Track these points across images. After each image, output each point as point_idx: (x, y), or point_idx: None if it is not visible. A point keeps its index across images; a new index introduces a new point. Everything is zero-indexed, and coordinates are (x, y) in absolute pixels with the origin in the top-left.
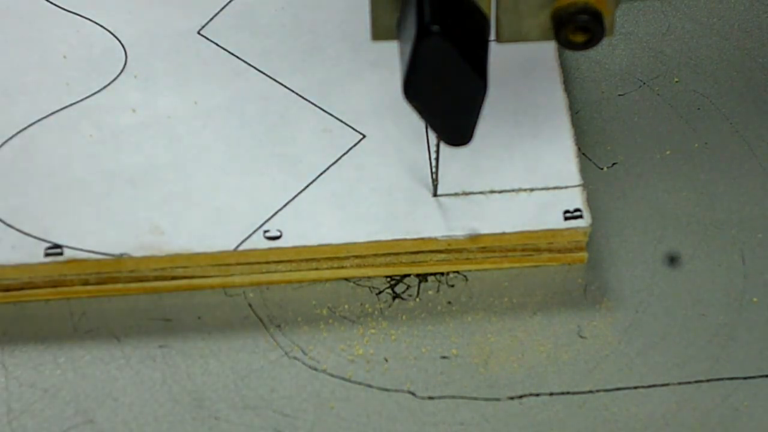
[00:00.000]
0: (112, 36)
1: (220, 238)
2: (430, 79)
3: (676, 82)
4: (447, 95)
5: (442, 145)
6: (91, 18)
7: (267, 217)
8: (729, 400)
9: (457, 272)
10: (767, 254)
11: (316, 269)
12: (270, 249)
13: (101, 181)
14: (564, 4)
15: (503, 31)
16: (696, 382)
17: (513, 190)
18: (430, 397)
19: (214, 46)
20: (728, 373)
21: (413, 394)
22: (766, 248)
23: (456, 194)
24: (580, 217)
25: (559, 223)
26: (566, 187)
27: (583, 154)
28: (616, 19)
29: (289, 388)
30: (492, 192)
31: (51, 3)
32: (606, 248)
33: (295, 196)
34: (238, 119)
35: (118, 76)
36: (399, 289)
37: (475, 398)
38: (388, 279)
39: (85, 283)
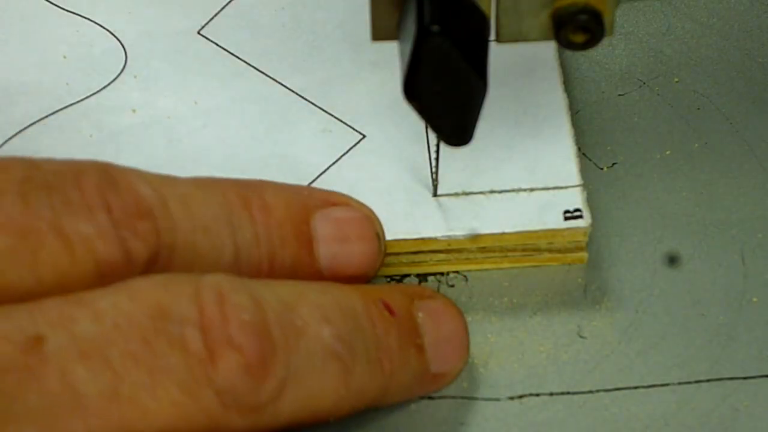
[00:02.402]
0: (112, 36)
1: None
2: (430, 79)
3: (676, 82)
4: (447, 95)
5: (442, 145)
6: (91, 18)
7: None
8: (729, 400)
9: (457, 272)
10: (767, 254)
11: None
12: None
13: None
14: (564, 4)
15: (503, 31)
16: (696, 382)
17: (513, 190)
18: (431, 398)
19: (214, 46)
20: (728, 373)
21: None
22: (766, 248)
23: (456, 194)
24: (580, 217)
25: (559, 223)
26: (566, 187)
27: (583, 154)
28: (616, 19)
29: None
30: (492, 192)
31: (51, 3)
32: (606, 248)
33: None
34: (238, 119)
35: (118, 76)
36: None
37: (475, 398)
38: (388, 279)
39: None
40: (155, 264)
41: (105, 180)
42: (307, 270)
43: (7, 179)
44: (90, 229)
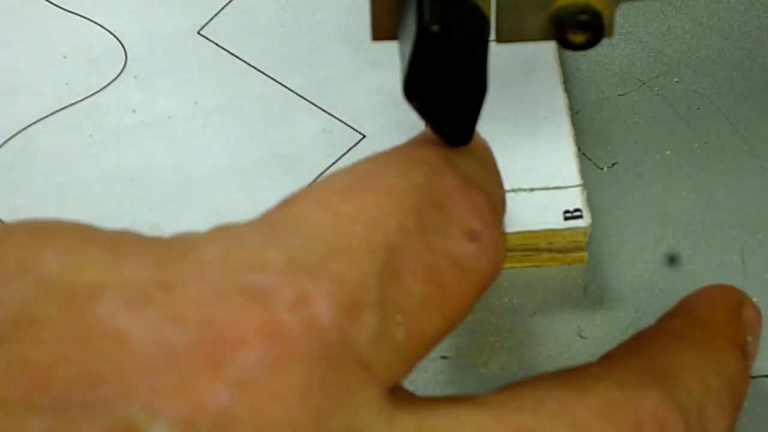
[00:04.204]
0: (112, 36)
1: None
2: (430, 79)
3: (676, 82)
4: (447, 95)
5: None
6: (91, 18)
7: None
8: None
9: None
10: (767, 254)
11: None
12: None
13: (101, 181)
14: (564, 4)
15: (503, 31)
16: None
17: (513, 190)
18: None
19: (214, 46)
20: None
21: (413, 394)
22: (766, 248)
23: None
24: (580, 217)
25: (559, 223)
26: (566, 187)
27: (583, 154)
28: (616, 19)
29: None
30: None
31: (51, 3)
32: (606, 248)
33: None
34: (238, 119)
35: (118, 76)
36: None
37: None
38: None
39: None
40: None
41: (480, 193)
42: None
43: (403, 209)
44: (472, 250)
